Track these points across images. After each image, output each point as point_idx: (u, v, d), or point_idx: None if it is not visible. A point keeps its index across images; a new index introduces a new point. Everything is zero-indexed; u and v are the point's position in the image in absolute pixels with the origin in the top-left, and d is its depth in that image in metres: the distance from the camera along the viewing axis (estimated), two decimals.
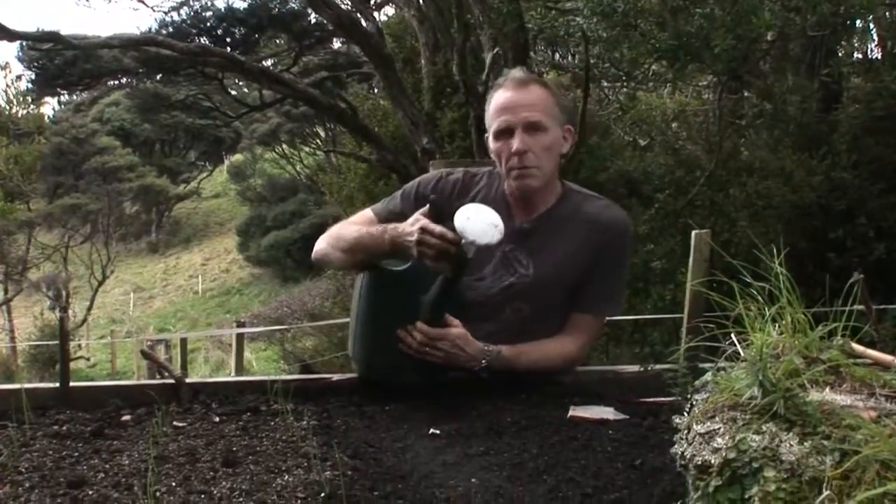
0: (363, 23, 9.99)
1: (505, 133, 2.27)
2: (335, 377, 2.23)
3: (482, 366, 2.13)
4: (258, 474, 1.52)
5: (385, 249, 2.16)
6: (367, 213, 2.47)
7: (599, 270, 2.31)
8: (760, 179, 7.00)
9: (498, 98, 2.31)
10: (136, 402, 1.99)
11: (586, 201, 2.40)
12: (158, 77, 22.81)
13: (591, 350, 2.79)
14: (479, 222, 2.00)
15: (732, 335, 1.28)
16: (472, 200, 2.33)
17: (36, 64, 22.05)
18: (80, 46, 10.87)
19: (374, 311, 2.18)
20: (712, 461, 1.07)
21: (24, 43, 16.76)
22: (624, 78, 8.99)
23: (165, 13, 19.82)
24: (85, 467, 1.57)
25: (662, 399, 1.95)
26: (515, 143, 2.25)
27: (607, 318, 2.53)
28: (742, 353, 1.21)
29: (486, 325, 2.19)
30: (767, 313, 1.24)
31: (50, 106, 46.28)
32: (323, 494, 1.40)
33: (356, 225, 2.38)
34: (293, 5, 20.52)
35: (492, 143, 2.33)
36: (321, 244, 2.43)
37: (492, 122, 2.32)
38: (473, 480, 1.52)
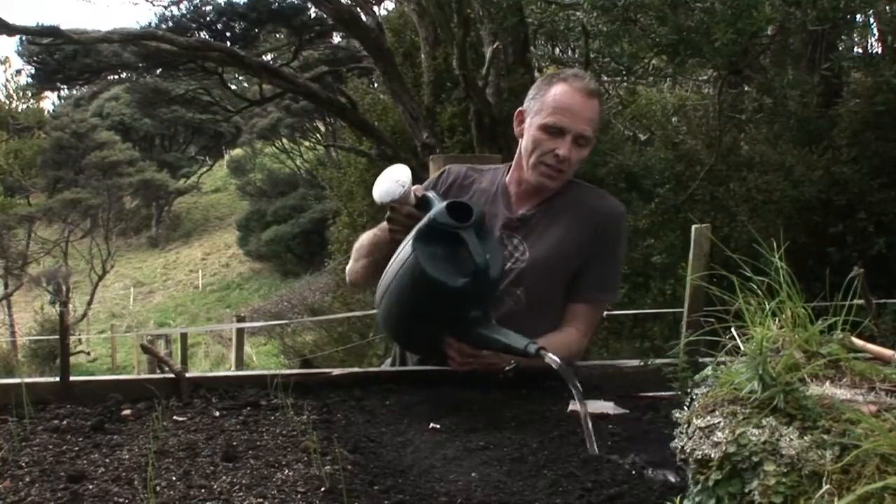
0: (363, 17, 9.99)
1: (555, 131, 2.27)
2: (335, 371, 2.22)
3: (512, 366, 2.13)
4: (258, 469, 1.52)
5: (387, 240, 2.23)
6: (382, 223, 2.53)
7: (596, 259, 2.33)
8: (760, 174, 7.01)
9: (563, 94, 2.28)
10: (136, 397, 1.99)
11: (584, 192, 2.44)
12: (158, 72, 22.78)
13: (591, 344, 2.79)
14: (383, 182, 2.17)
15: (732, 329, 1.28)
16: (472, 194, 2.41)
17: (36, 58, 22.03)
18: (79, 41, 10.87)
19: (416, 309, 2.02)
20: (712, 455, 1.07)
21: (24, 37, 16.76)
22: (624, 72, 9.00)
23: (165, 8, 19.82)
24: (85, 462, 1.57)
25: (662, 393, 1.95)
26: (563, 150, 2.26)
27: (609, 312, 2.55)
28: (742, 348, 1.21)
29: None
30: (767, 308, 1.24)
31: (50, 100, 46.27)
32: (323, 489, 1.40)
33: (367, 232, 2.47)
34: (293, 0, 20.52)
35: (535, 131, 2.30)
36: (349, 266, 2.53)
37: (546, 114, 2.28)
38: (473, 475, 1.52)
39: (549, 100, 2.29)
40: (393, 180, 2.14)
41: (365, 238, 2.43)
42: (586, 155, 2.35)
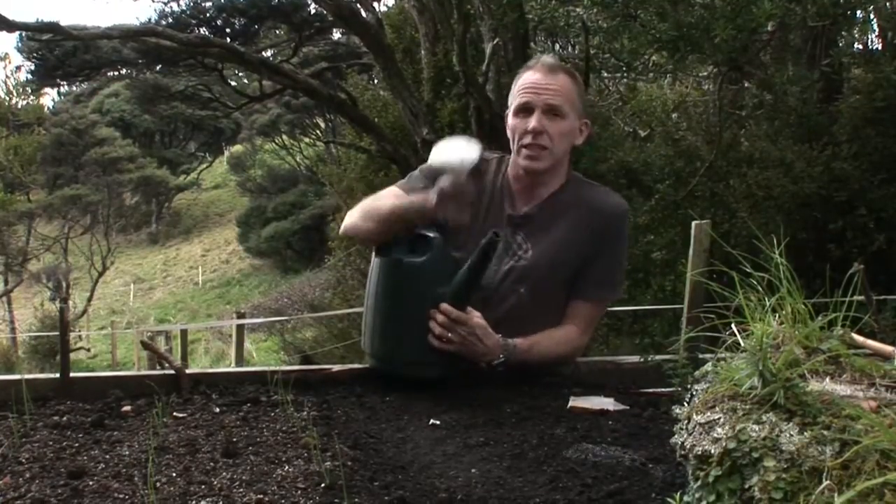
0: (363, 13, 9.97)
1: (524, 111, 2.31)
2: (335, 368, 2.22)
3: (499, 360, 2.12)
4: (258, 465, 1.52)
5: (412, 216, 2.21)
6: (394, 189, 2.44)
7: (598, 256, 2.33)
8: (761, 170, 6.99)
9: (525, 77, 2.35)
10: (136, 393, 1.99)
11: (587, 188, 2.44)
12: (158, 68, 22.75)
13: (591, 341, 2.79)
14: (452, 150, 2.26)
15: (733, 325, 1.28)
16: (481, 182, 2.41)
17: (35, 55, 22.06)
18: (79, 37, 10.83)
19: (393, 304, 2.13)
20: (712, 451, 1.07)
21: (24, 34, 16.72)
22: (624, 68, 8.99)
23: (165, 4, 19.81)
24: (85, 458, 1.57)
25: (662, 389, 1.96)
26: (532, 122, 2.28)
27: (608, 308, 2.53)
28: (742, 344, 1.21)
29: (489, 313, 2.16)
30: (768, 304, 1.24)
31: (49, 97, 46.32)
32: (323, 485, 1.40)
33: (387, 199, 2.37)
34: None
35: (509, 120, 2.36)
36: (351, 218, 2.41)
37: (514, 99, 2.35)
38: (473, 471, 1.52)
39: (515, 89, 2.37)
40: (464, 146, 2.27)
41: (385, 205, 2.30)
42: (567, 129, 2.34)
